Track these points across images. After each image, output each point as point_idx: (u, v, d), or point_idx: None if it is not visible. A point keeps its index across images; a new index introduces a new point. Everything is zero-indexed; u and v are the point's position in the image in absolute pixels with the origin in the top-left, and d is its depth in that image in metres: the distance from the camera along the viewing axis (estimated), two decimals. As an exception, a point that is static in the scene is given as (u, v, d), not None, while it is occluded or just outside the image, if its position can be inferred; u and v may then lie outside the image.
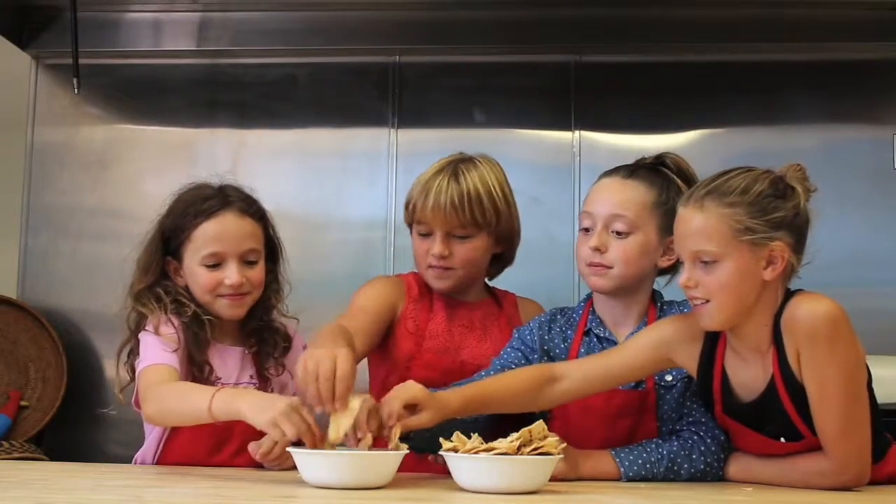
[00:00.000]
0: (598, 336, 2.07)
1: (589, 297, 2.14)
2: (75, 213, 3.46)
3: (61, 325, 3.37)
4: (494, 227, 2.17)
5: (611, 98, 3.38)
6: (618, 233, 2.00)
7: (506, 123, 3.41)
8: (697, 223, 1.77)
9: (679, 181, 2.07)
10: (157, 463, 2.08)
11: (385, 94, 3.44)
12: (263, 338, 2.17)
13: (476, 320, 2.22)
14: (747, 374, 1.84)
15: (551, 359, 2.05)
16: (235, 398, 1.83)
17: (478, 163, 2.21)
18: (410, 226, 2.23)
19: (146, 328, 2.07)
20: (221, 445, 2.06)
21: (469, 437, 1.69)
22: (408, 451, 1.77)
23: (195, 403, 1.87)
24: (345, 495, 1.63)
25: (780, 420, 1.81)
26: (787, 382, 1.78)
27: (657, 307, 2.08)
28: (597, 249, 2.00)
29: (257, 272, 2.13)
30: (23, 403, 3.25)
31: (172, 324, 2.06)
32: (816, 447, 1.78)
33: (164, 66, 3.54)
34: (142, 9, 3.48)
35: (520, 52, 3.44)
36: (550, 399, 1.94)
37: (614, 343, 2.04)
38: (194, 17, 3.48)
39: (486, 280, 2.31)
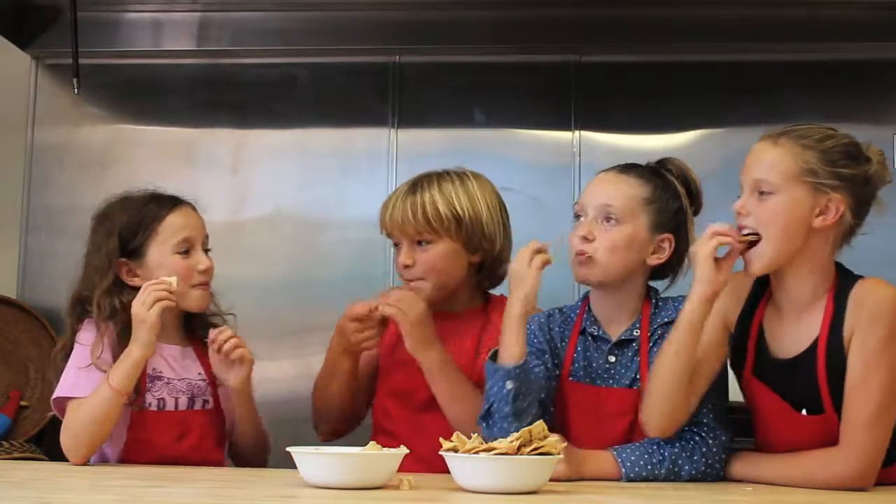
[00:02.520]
0: (592, 335, 2.07)
1: (586, 297, 2.13)
2: (75, 213, 3.45)
3: (61, 325, 3.36)
4: (456, 233, 2.17)
5: (611, 98, 3.38)
6: (606, 219, 2.01)
7: (506, 123, 3.41)
8: (767, 154, 1.84)
9: (678, 184, 2.08)
10: (123, 458, 2.12)
11: (385, 94, 3.44)
12: (204, 337, 2.22)
13: (454, 329, 2.23)
14: (788, 332, 1.86)
15: (556, 355, 2.06)
16: (122, 357, 2.03)
17: (447, 176, 2.23)
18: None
19: (78, 341, 2.13)
20: (183, 436, 2.14)
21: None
22: (408, 452, 1.77)
23: (98, 390, 2.02)
24: (345, 495, 1.63)
25: (807, 386, 1.81)
26: (831, 349, 1.79)
27: (652, 303, 2.08)
28: (584, 238, 2.01)
29: (212, 260, 2.23)
30: (23, 403, 3.24)
31: (108, 340, 2.12)
32: (833, 427, 1.78)
33: (164, 66, 3.53)
34: (141, 9, 3.48)
35: (520, 52, 3.43)
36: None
37: (607, 341, 2.04)
38: (194, 17, 3.48)
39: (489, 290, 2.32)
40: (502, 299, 2.24)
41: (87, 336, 2.14)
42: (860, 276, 1.86)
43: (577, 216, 2.06)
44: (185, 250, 2.18)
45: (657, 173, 2.09)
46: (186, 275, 2.16)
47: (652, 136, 3.34)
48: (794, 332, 1.86)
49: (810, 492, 1.76)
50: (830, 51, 3.33)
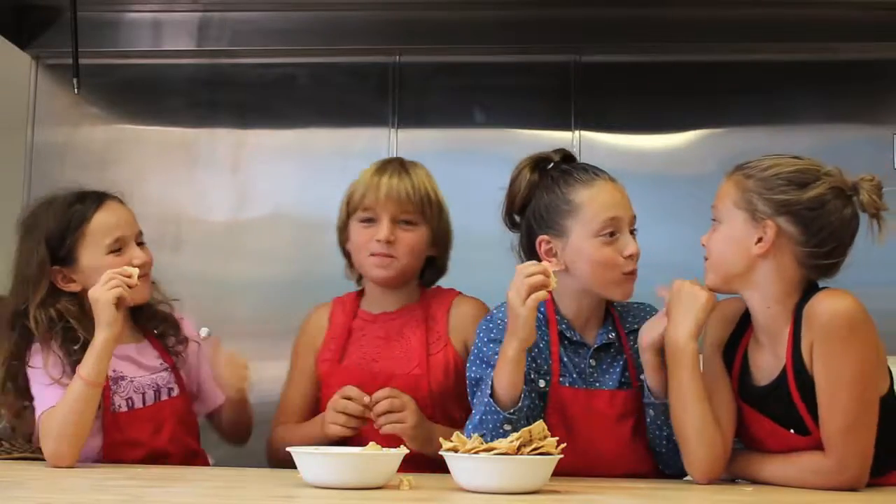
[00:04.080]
0: (570, 340, 2.05)
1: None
2: (75, 213, 3.46)
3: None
4: (435, 223, 2.22)
5: (611, 98, 3.38)
6: (632, 231, 2.05)
7: (506, 123, 3.41)
8: (721, 187, 1.92)
9: None
10: (104, 455, 2.12)
11: (385, 94, 3.44)
12: (156, 324, 2.26)
13: (393, 330, 2.23)
14: (763, 359, 1.88)
15: (533, 359, 2.01)
16: (88, 353, 2.01)
17: (418, 165, 2.27)
18: (346, 220, 2.26)
19: (31, 364, 2.10)
20: (158, 430, 2.15)
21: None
22: (408, 452, 1.77)
23: (71, 388, 2.01)
24: (345, 495, 1.63)
25: (788, 411, 1.82)
26: (798, 373, 1.79)
27: (615, 307, 2.10)
28: (630, 256, 2.03)
29: (148, 252, 2.21)
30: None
31: (57, 352, 2.10)
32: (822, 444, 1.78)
33: (164, 66, 3.53)
34: (141, 9, 3.48)
35: (520, 52, 3.43)
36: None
37: (584, 346, 2.04)
38: (194, 17, 3.48)
39: (435, 288, 2.33)
40: (436, 291, 2.30)
41: (36, 358, 2.10)
42: (815, 290, 1.85)
43: (612, 233, 2.02)
44: (118, 248, 2.15)
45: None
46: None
47: (652, 136, 3.34)
48: (768, 359, 1.88)
49: (810, 492, 1.77)
50: (830, 51, 3.32)
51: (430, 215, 2.22)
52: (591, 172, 2.06)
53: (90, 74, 3.26)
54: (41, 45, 3.46)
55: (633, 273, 2.01)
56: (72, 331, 2.10)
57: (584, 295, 2.05)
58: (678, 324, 1.87)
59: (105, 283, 2.03)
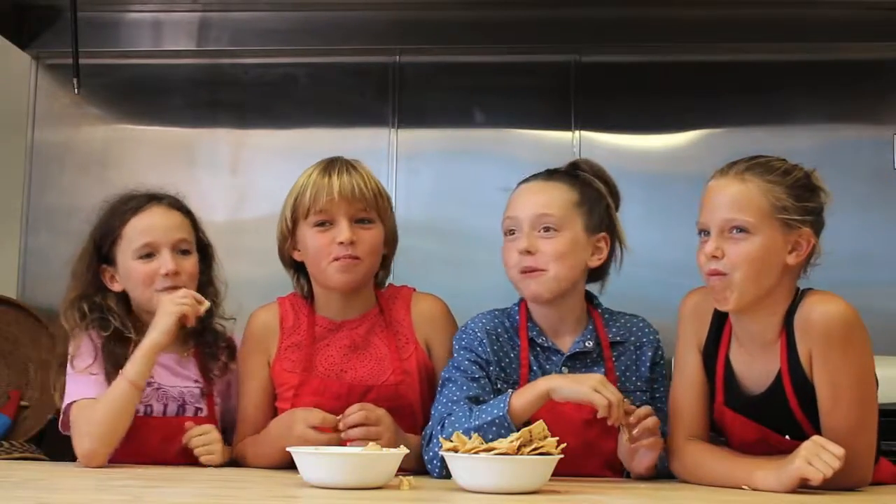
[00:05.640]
0: (541, 346, 2.04)
1: (523, 301, 2.09)
2: (75, 214, 3.44)
3: (61, 325, 3.36)
4: (388, 220, 2.14)
5: (611, 98, 3.38)
6: (545, 229, 1.99)
7: (506, 123, 3.41)
8: (736, 192, 1.78)
9: (598, 182, 2.08)
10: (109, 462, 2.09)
11: (385, 94, 3.44)
12: (207, 341, 2.20)
13: (358, 339, 2.14)
14: (753, 367, 1.85)
15: (502, 369, 2.01)
16: (136, 353, 2.00)
17: (360, 162, 2.18)
18: (292, 228, 2.12)
19: (69, 357, 2.10)
20: (168, 442, 2.10)
21: None
22: (408, 452, 1.77)
23: (114, 387, 2.00)
24: (345, 495, 1.63)
25: (784, 417, 1.81)
26: (795, 379, 1.78)
27: (599, 312, 2.07)
28: (527, 252, 1.98)
29: (191, 263, 2.16)
30: (23, 403, 3.24)
31: (92, 341, 2.10)
32: None
33: (164, 66, 3.53)
34: (142, 9, 3.48)
35: (520, 52, 3.43)
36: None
37: (558, 352, 2.02)
38: (194, 17, 3.48)
39: (389, 289, 2.24)
40: (391, 291, 2.22)
41: (73, 345, 2.11)
42: (807, 291, 1.83)
43: (511, 232, 2.02)
44: (148, 254, 2.11)
45: (574, 176, 2.08)
46: (147, 280, 2.10)
47: (652, 135, 3.34)
48: (759, 367, 1.85)
49: (809, 492, 1.76)
50: (830, 51, 3.33)
51: (384, 210, 2.13)
52: None
53: (90, 74, 3.26)
54: (41, 45, 3.47)
55: (531, 270, 1.98)
56: (106, 321, 2.10)
57: (555, 300, 2.02)
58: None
59: (178, 298, 2.04)
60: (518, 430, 1.72)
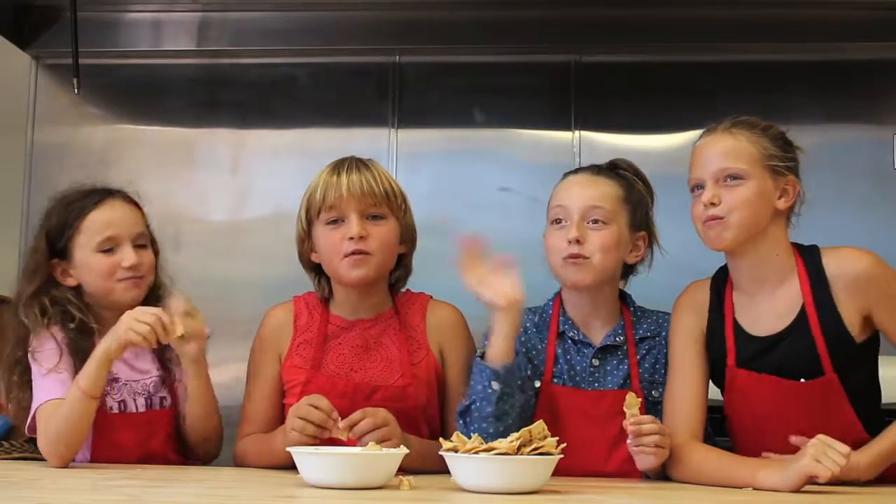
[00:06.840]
0: (572, 339, 2.07)
1: (557, 296, 2.13)
2: (75, 213, 3.46)
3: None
4: (402, 215, 2.15)
5: (611, 98, 3.38)
6: (594, 221, 2.03)
7: (506, 123, 3.41)
8: (727, 144, 1.95)
9: (639, 181, 2.14)
10: (92, 454, 2.10)
11: (385, 94, 3.44)
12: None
13: (371, 339, 2.14)
14: (767, 310, 1.93)
15: (530, 360, 2.04)
16: (89, 361, 1.98)
17: (374, 161, 2.20)
18: (308, 230, 2.16)
19: (31, 356, 2.09)
20: (149, 439, 2.11)
21: None
22: (408, 452, 1.77)
23: (70, 395, 1.99)
24: (345, 495, 1.63)
25: (801, 354, 1.88)
26: (824, 318, 1.88)
27: (631, 311, 2.11)
28: (577, 241, 2.01)
29: (149, 256, 2.17)
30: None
31: (55, 339, 2.09)
32: (831, 389, 1.86)
33: (164, 66, 3.53)
34: (142, 9, 3.48)
35: (520, 52, 3.43)
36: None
37: (589, 345, 2.05)
38: (194, 17, 3.48)
39: (404, 291, 2.23)
40: (408, 296, 2.22)
41: (36, 343, 2.10)
42: (814, 246, 1.96)
43: (558, 221, 2.06)
44: (109, 248, 2.11)
45: (617, 174, 2.12)
46: (109, 272, 2.10)
47: (652, 135, 3.34)
48: (773, 308, 1.94)
49: (809, 491, 1.76)
50: (830, 51, 3.33)
51: (397, 207, 2.13)
52: None
53: (90, 74, 3.26)
54: (41, 45, 3.47)
55: (578, 257, 2.02)
56: (69, 314, 2.09)
57: (591, 291, 2.06)
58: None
59: (143, 317, 1.96)
60: (502, 372, 1.82)
